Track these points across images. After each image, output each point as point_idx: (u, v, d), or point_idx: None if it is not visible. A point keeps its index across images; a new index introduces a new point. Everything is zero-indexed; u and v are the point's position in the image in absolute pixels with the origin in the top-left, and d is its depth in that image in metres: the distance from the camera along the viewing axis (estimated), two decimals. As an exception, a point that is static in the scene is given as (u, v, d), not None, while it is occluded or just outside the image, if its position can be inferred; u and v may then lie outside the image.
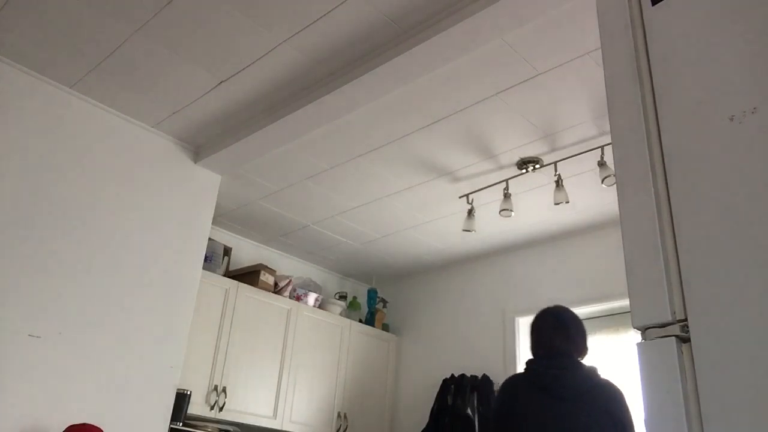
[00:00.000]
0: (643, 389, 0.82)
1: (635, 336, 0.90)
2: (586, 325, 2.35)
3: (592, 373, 2.15)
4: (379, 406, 4.48)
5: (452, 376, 4.14)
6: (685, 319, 0.81)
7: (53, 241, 2.74)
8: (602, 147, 2.99)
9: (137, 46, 2.61)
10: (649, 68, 0.97)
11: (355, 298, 4.85)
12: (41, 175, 2.77)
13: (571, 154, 3.12)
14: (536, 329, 2.28)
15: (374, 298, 4.80)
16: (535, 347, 2.26)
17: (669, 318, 0.82)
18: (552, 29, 2.36)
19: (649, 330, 0.84)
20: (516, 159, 3.25)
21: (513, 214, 3.38)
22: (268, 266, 4.13)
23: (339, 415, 4.19)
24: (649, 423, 0.80)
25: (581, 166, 3.18)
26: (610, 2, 1.07)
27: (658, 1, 0.99)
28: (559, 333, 2.19)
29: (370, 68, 2.53)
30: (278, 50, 2.58)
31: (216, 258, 3.86)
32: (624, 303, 3.32)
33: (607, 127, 2.59)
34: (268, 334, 3.94)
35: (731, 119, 0.84)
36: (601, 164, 2.98)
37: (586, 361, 2.22)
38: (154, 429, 2.88)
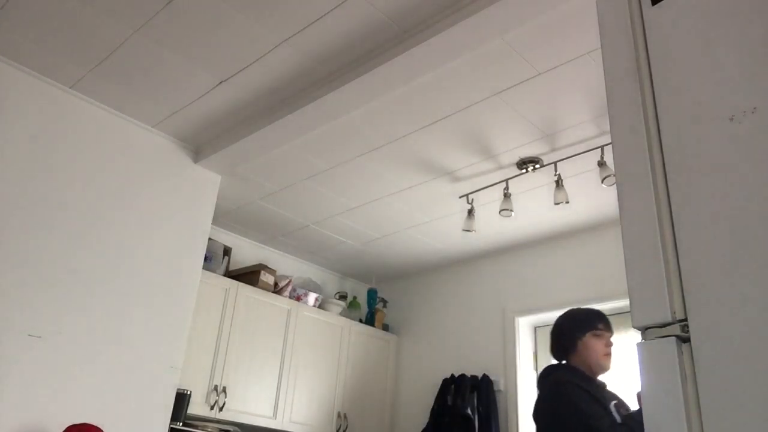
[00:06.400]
0: (643, 389, 0.83)
1: (635, 336, 0.90)
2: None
3: (542, 374, 2.41)
4: (379, 406, 4.48)
5: (452, 376, 4.14)
6: (685, 319, 0.81)
7: (53, 241, 2.74)
8: (602, 147, 2.99)
9: (137, 46, 2.61)
10: (649, 68, 0.97)
11: (355, 298, 4.85)
12: (41, 174, 2.77)
13: (571, 154, 3.12)
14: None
15: (374, 298, 4.79)
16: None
17: (669, 318, 0.82)
18: (552, 29, 2.36)
19: (649, 330, 0.84)
20: (516, 159, 3.24)
21: (513, 214, 3.38)
22: (268, 266, 4.13)
23: (339, 415, 4.19)
24: (649, 423, 0.80)
25: (581, 166, 3.18)
26: (610, 2, 1.07)
27: (658, 1, 0.99)
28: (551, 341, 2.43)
29: (370, 68, 2.53)
30: (278, 50, 2.58)
31: (216, 258, 3.86)
32: (624, 303, 3.32)
33: (607, 127, 2.58)
34: (268, 334, 3.94)
35: (731, 119, 0.84)
36: (601, 164, 2.98)
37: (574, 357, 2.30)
38: (154, 429, 2.88)
